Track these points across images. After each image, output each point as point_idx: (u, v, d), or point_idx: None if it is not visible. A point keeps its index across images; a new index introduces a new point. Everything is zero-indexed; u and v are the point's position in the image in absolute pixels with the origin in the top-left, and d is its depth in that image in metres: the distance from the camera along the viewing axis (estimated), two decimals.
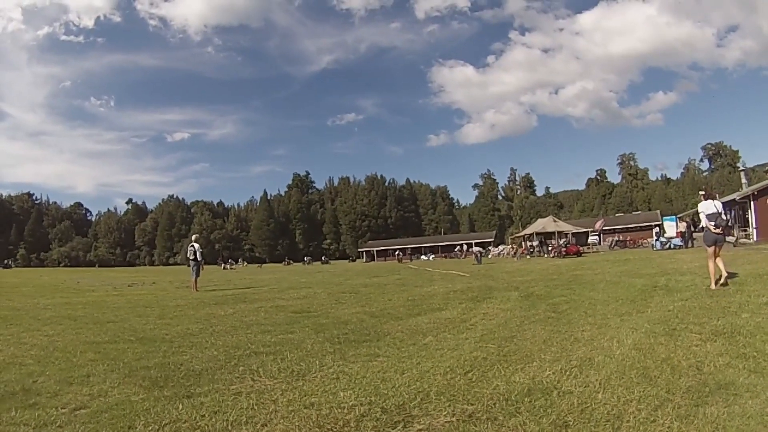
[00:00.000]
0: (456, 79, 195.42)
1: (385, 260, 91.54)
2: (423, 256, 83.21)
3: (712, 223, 11.10)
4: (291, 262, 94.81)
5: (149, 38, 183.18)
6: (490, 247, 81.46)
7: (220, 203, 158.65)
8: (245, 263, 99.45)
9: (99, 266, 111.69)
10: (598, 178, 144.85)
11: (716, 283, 10.65)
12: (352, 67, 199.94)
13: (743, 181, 53.02)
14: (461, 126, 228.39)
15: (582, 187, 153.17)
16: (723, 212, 11.37)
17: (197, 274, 19.72)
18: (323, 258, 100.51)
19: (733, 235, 33.22)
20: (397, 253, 64.46)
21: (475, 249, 45.22)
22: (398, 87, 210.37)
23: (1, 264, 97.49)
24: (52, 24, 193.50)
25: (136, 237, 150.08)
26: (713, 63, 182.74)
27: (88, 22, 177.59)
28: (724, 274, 10.98)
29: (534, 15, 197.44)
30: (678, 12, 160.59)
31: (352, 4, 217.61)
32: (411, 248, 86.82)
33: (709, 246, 11.02)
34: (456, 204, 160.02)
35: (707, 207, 11.17)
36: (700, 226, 11.73)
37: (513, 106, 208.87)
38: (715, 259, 10.96)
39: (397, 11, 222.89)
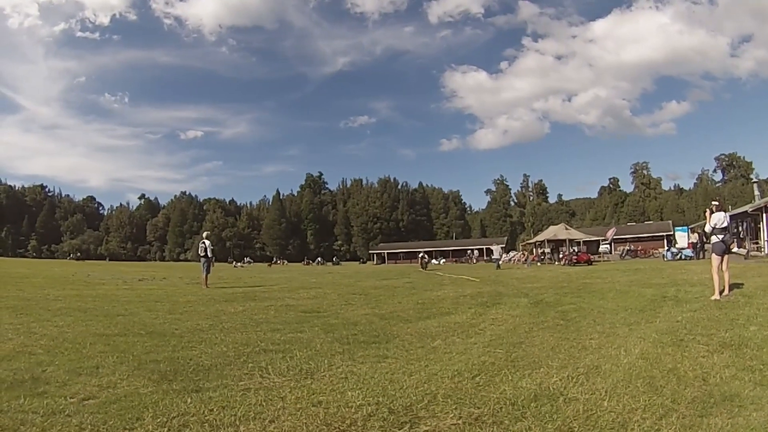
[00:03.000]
0: (468, 85, 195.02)
1: (396, 263, 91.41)
2: (434, 260, 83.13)
3: (721, 237, 11.06)
4: (311, 262, 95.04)
5: (164, 37, 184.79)
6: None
7: (233, 201, 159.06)
8: (285, 261, 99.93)
9: (109, 260, 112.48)
10: (611, 186, 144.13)
11: (720, 294, 10.65)
12: (366, 69, 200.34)
13: (756, 193, 52.56)
14: (474, 131, 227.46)
15: (594, 195, 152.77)
16: (729, 225, 11.36)
17: (208, 271, 19.81)
18: (334, 259, 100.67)
19: (744, 248, 33.00)
20: (422, 255, 49.23)
21: (496, 250, 44.30)
22: (411, 90, 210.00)
23: (74, 257, 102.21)
24: (68, 20, 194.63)
25: (148, 232, 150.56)
26: (726, 73, 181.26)
27: (104, 20, 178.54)
28: (728, 286, 11.00)
29: (547, 21, 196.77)
30: (691, 21, 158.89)
31: (366, 7, 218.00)
32: (422, 252, 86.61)
33: (719, 256, 11.00)
34: (468, 209, 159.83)
35: (720, 220, 11.10)
36: (711, 240, 11.63)
37: (525, 113, 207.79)
38: (722, 270, 10.97)
39: (410, 15, 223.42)
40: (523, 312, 10.67)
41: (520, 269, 36.70)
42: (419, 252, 55.41)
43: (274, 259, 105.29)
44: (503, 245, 54.58)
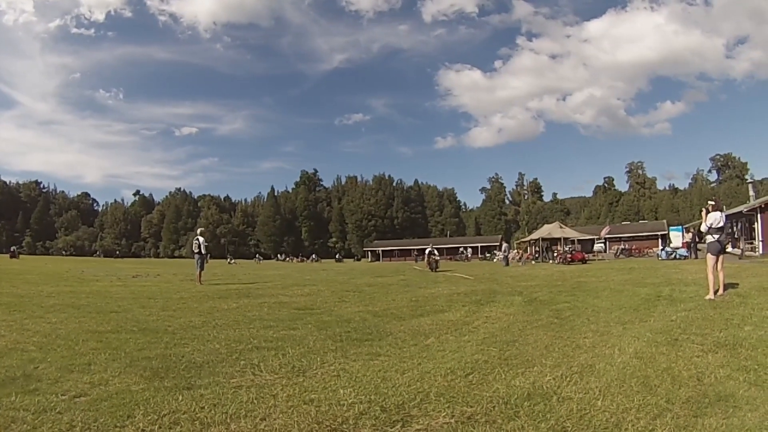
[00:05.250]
0: (463, 83, 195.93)
1: (390, 260, 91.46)
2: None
3: (717, 236, 11.05)
4: (305, 259, 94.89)
5: (159, 34, 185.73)
6: (495, 251, 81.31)
7: (227, 198, 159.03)
8: (298, 259, 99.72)
9: (104, 256, 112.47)
10: (606, 185, 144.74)
11: (714, 294, 10.66)
12: (363, 66, 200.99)
13: (751, 193, 52.72)
14: (468, 129, 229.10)
15: (589, 194, 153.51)
16: (725, 225, 11.36)
17: (201, 268, 19.77)
18: (337, 256, 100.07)
19: (739, 248, 33.09)
20: (429, 251, 34.51)
21: (505, 248, 44.92)
22: (407, 88, 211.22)
23: (113, 255, 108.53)
24: (64, 17, 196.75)
25: (142, 229, 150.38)
26: (722, 73, 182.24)
27: (99, 16, 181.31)
28: (722, 286, 11.02)
29: (542, 21, 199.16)
30: (687, 22, 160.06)
31: (360, 5, 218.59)
32: (417, 249, 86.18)
33: (714, 255, 10.99)
34: (463, 207, 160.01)
35: (716, 219, 11.09)
36: (706, 239, 11.61)
37: (520, 111, 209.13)
38: (717, 270, 10.98)
39: (404, 14, 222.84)
40: (517, 310, 10.66)
41: (514, 267, 36.79)
42: (425, 248, 39.21)
43: (285, 257, 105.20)
44: (498, 243, 54.52)
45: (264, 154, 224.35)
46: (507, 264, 40.28)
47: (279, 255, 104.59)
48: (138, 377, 5.31)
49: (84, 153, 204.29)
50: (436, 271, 30.58)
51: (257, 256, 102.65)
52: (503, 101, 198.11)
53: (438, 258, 34.44)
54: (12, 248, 72.50)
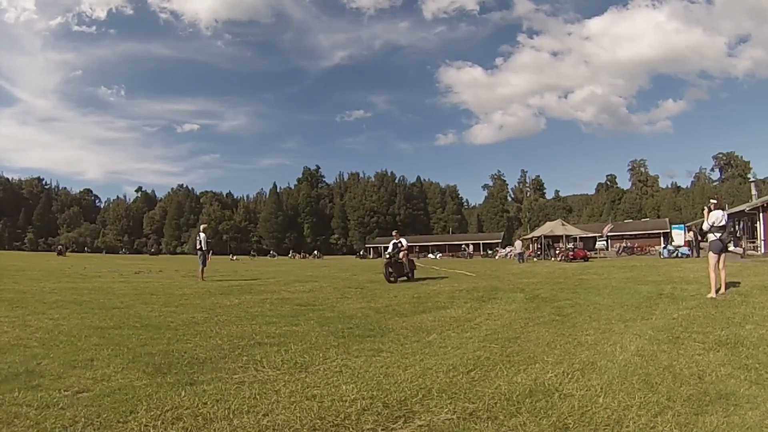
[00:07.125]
0: (464, 80, 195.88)
1: None
2: (430, 255, 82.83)
3: (719, 235, 11.05)
4: (307, 255, 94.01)
5: (160, 31, 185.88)
6: (497, 248, 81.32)
7: (229, 194, 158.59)
8: (300, 255, 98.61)
9: (128, 253, 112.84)
10: (608, 183, 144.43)
11: (716, 293, 10.66)
12: (364, 63, 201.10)
13: (753, 192, 52.72)
14: (470, 126, 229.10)
15: (591, 191, 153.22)
16: (727, 224, 11.36)
17: (204, 264, 19.79)
18: (361, 252, 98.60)
19: (741, 247, 33.07)
20: (392, 243, 19.22)
21: (518, 246, 45.14)
22: (408, 85, 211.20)
23: (149, 252, 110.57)
24: (65, 14, 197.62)
25: (144, 225, 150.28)
26: (723, 72, 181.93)
27: (101, 14, 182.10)
28: (724, 285, 11.02)
29: (543, 18, 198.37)
30: (688, 20, 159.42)
31: (361, 2, 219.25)
32: (418, 246, 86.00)
33: (716, 254, 10.97)
34: (465, 204, 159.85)
35: (718, 218, 11.08)
36: (708, 238, 11.59)
37: (521, 109, 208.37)
38: (719, 268, 10.97)
39: (405, 11, 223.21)
40: (518, 307, 10.66)
41: (514, 264, 36.86)
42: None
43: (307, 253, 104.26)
44: (500, 240, 54.52)
45: (265, 151, 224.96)
46: (522, 261, 41.54)
47: (291, 252, 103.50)
48: (140, 373, 5.32)
49: (85, 149, 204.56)
50: (408, 276, 18.80)
51: (270, 252, 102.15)
52: (504, 98, 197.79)
53: (404, 256, 19.26)
54: (59, 246, 76.58)
